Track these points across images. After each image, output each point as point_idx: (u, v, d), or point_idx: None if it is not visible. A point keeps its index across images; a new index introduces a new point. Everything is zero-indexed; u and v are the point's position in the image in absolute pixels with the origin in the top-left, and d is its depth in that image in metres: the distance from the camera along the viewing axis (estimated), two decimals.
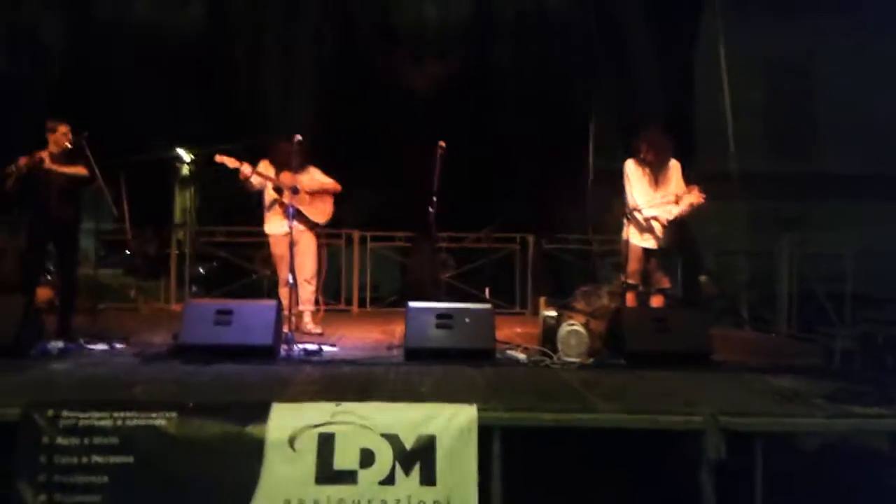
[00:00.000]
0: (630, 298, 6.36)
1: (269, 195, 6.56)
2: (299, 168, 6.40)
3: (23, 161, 5.66)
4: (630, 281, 6.32)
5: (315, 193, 6.60)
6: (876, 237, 9.75)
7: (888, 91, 13.03)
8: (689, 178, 6.49)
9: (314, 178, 6.67)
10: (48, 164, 5.77)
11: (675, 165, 6.33)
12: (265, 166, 6.50)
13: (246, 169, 6.26)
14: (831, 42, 12.84)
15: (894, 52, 13.02)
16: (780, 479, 4.03)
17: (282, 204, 6.09)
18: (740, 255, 8.55)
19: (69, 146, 5.85)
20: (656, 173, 6.28)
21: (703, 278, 8.43)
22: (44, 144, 5.92)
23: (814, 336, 6.64)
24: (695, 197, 6.02)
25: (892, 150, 12.62)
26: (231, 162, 6.19)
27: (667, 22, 8.64)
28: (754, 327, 8.09)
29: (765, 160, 12.37)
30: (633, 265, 6.32)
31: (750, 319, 8.22)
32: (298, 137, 6.14)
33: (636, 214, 6.16)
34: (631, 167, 6.33)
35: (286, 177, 6.23)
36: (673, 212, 6.12)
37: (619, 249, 6.47)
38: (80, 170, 5.86)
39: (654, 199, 6.17)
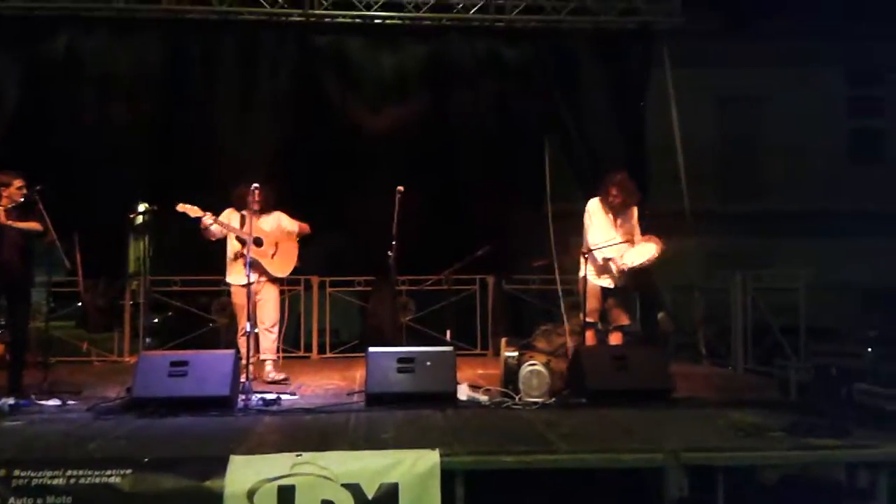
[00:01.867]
0: (589, 337, 6.42)
1: (232, 245, 6.50)
2: (264, 213, 6.43)
3: None
4: (589, 319, 6.38)
5: (281, 242, 6.57)
6: (825, 271, 10.01)
7: (830, 131, 13.57)
8: (644, 218, 6.62)
9: (281, 224, 6.64)
10: (3, 219, 5.68)
11: (632, 211, 6.47)
12: (229, 213, 6.46)
13: (207, 219, 6.18)
14: (779, 86, 13.32)
15: (835, 96, 13.61)
16: None
17: (243, 256, 5.99)
18: (696, 292, 8.67)
19: (22, 200, 5.78)
20: (618, 216, 6.41)
21: (661, 315, 8.53)
22: None
23: (769, 370, 6.74)
24: (655, 249, 6.16)
25: (837, 187, 13.06)
26: (193, 211, 6.11)
27: (618, 67, 8.88)
28: (711, 362, 8.18)
29: (717, 198, 12.68)
30: (592, 303, 6.38)
31: (707, 354, 8.32)
32: (256, 185, 6.16)
33: (595, 253, 6.23)
34: (593, 206, 6.46)
35: (248, 227, 6.14)
36: (631, 260, 6.20)
37: (577, 289, 6.53)
38: (33, 225, 5.78)
39: (612, 239, 6.26)
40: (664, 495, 3.81)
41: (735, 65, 12.99)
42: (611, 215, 6.41)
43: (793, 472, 4.41)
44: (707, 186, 11.67)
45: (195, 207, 6.13)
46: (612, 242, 6.21)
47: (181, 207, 6.10)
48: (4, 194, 5.82)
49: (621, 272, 6.26)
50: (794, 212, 12.78)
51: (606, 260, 6.26)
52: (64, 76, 8.33)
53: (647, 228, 6.54)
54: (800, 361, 6.32)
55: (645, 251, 6.20)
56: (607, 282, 6.36)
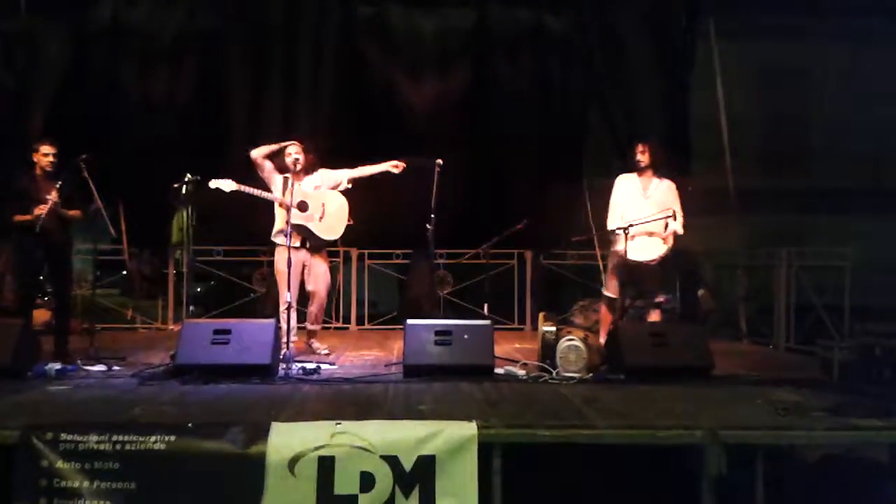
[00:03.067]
0: (604, 312, 6.49)
1: (279, 209, 6.26)
2: (307, 172, 6.28)
3: (40, 210, 5.74)
4: (608, 293, 6.38)
5: (328, 201, 6.26)
6: (872, 250, 9.77)
7: (884, 103, 13.14)
8: (688, 195, 6.54)
9: (325, 179, 6.37)
10: (58, 209, 5.86)
11: (669, 185, 6.37)
12: (274, 174, 6.20)
13: (245, 189, 6.08)
14: (827, 55, 12.93)
15: (890, 64, 13.14)
16: (781, 492, 4.02)
17: (287, 223, 5.94)
18: (738, 269, 8.55)
19: (49, 169, 5.91)
20: (646, 184, 6.34)
21: (701, 292, 8.43)
22: None
23: (812, 349, 6.64)
24: (661, 250, 6.18)
25: (889, 163, 12.70)
26: (227, 185, 6.00)
27: (664, 38, 8.72)
28: (752, 340, 8.09)
29: (761, 174, 12.42)
30: (611, 279, 6.38)
31: (748, 332, 8.23)
32: (295, 142, 6.16)
33: (618, 232, 6.16)
34: (618, 183, 6.44)
35: (290, 192, 5.90)
36: (637, 255, 6.16)
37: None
38: (77, 213, 6.04)
39: (640, 210, 6.19)
40: (702, 473, 3.79)
41: (781, 38, 12.65)
42: (637, 185, 6.35)
43: (834, 452, 4.36)
44: (751, 162, 11.43)
45: (228, 181, 6.00)
46: (639, 221, 6.09)
47: (213, 183, 5.98)
48: (35, 159, 5.99)
49: (661, 239, 6.18)
50: (839, 188, 12.47)
51: (635, 234, 6.12)
52: (109, 45, 8.43)
53: (688, 205, 6.45)
54: (843, 341, 6.23)
55: (652, 250, 6.16)
56: (641, 255, 6.22)
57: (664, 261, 6.34)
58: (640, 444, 3.89)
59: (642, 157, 6.33)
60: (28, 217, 5.80)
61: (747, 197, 8.79)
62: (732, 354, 6.76)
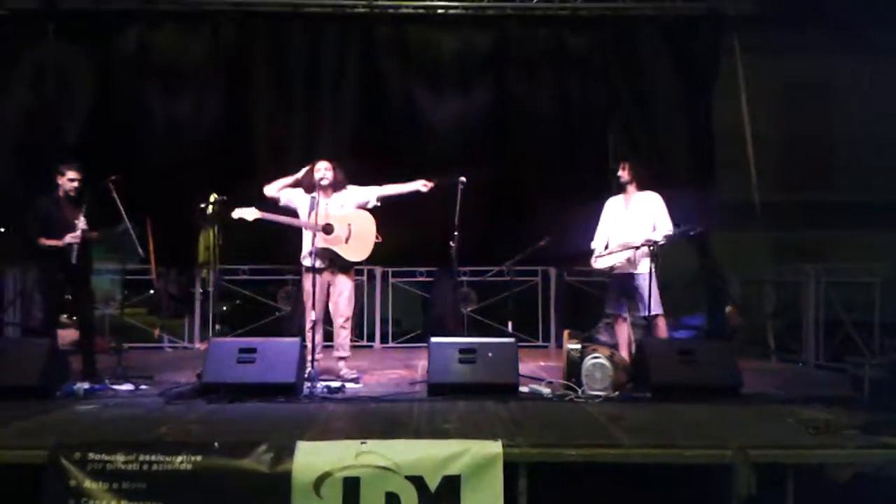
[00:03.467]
0: (617, 328, 6.50)
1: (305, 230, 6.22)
2: (334, 190, 6.24)
3: (73, 239, 5.86)
4: (608, 310, 6.44)
5: (354, 221, 6.16)
6: None
7: None
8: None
9: (352, 199, 6.28)
10: (86, 234, 5.97)
11: (651, 196, 6.39)
12: (301, 195, 6.19)
13: (268, 216, 6.06)
14: (849, 68, 12.84)
15: None
16: None
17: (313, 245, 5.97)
18: (766, 285, 8.46)
19: (73, 193, 6.01)
20: (628, 200, 6.43)
21: (728, 309, 8.35)
22: None
23: (842, 366, 6.54)
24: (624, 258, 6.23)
25: None
26: (250, 214, 5.99)
27: (686, 54, 8.69)
28: (781, 358, 7.99)
29: (786, 189, 12.30)
30: (611, 295, 6.48)
31: (777, 349, 8.12)
32: (324, 162, 6.16)
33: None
34: (606, 205, 6.58)
35: (316, 213, 5.94)
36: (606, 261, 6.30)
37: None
38: (97, 236, 6.14)
39: (622, 227, 6.33)
40: (732, 493, 3.74)
41: (804, 52, 12.56)
42: (622, 202, 6.45)
43: (865, 470, 4.27)
44: (775, 176, 11.33)
45: (251, 209, 6.00)
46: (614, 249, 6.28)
47: (237, 213, 5.98)
48: (59, 182, 6.10)
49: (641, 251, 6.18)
50: (864, 202, 12.31)
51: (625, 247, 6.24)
52: (135, 70, 8.57)
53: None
54: (874, 357, 6.13)
55: (636, 262, 6.19)
56: (628, 267, 6.25)
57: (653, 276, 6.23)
58: (667, 463, 3.84)
59: (623, 174, 6.46)
60: (58, 243, 5.90)
61: (771, 211, 8.72)
62: (761, 372, 6.69)
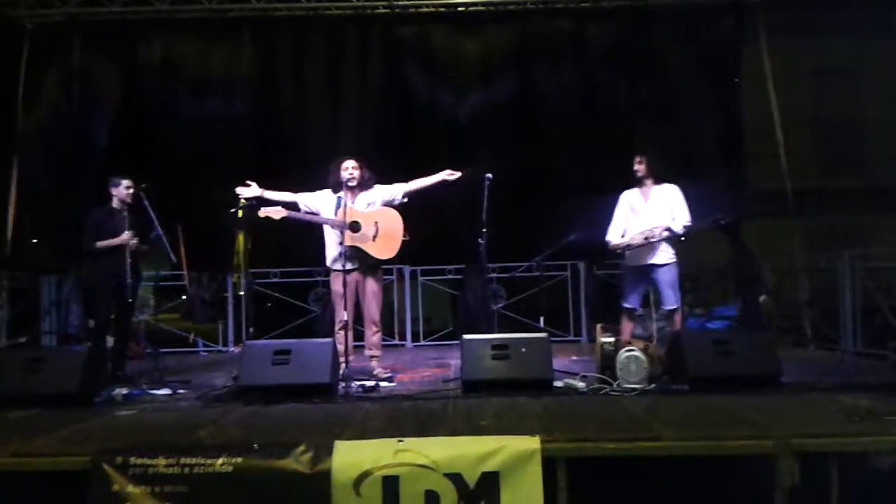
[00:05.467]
0: (625, 324, 6.37)
1: (330, 231, 6.20)
2: (361, 189, 6.20)
3: (128, 236, 6.13)
4: (625, 304, 6.34)
5: (381, 219, 6.12)
6: None
7: None
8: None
9: (379, 197, 6.24)
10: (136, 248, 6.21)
11: (669, 188, 6.31)
12: (327, 196, 6.22)
13: (295, 215, 6.09)
14: (881, 50, 12.61)
15: None
16: (857, 500, 3.88)
17: (340, 244, 6.01)
18: (801, 273, 8.35)
19: (130, 201, 6.11)
20: (646, 193, 6.34)
21: (762, 298, 8.25)
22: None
23: (882, 352, 6.43)
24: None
25: None
26: (276, 214, 6.00)
27: (709, 42, 8.60)
28: (818, 346, 7.88)
29: (818, 176, 12.15)
30: (627, 287, 6.39)
31: (813, 338, 8.01)
32: (350, 160, 6.14)
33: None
34: (621, 198, 6.47)
35: (342, 212, 5.96)
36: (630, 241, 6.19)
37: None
38: (144, 249, 6.35)
39: (640, 220, 6.24)
40: (775, 484, 3.69)
41: (832, 35, 12.37)
42: (639, 195, 6.35)
43: None
44: (806, 163, 11.18)
45: (277, 208, 6.01)
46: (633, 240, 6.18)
47: (263, 212, 5.99)
48: (114, 194, 6.21)
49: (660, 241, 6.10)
50: None
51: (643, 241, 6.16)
52: (162, 77, 8.69)
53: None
54: None
55: (658, 254, 6.11)
56: (650, 258, 6.17)
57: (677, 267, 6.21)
58: (708, 455, 3.79)
59: (639, 168, 6.35)
60: (114, 241, 6.12)
61: (804, 198, 8.60)
62: (799, 361, 6.60)
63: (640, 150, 6.54)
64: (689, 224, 6.11)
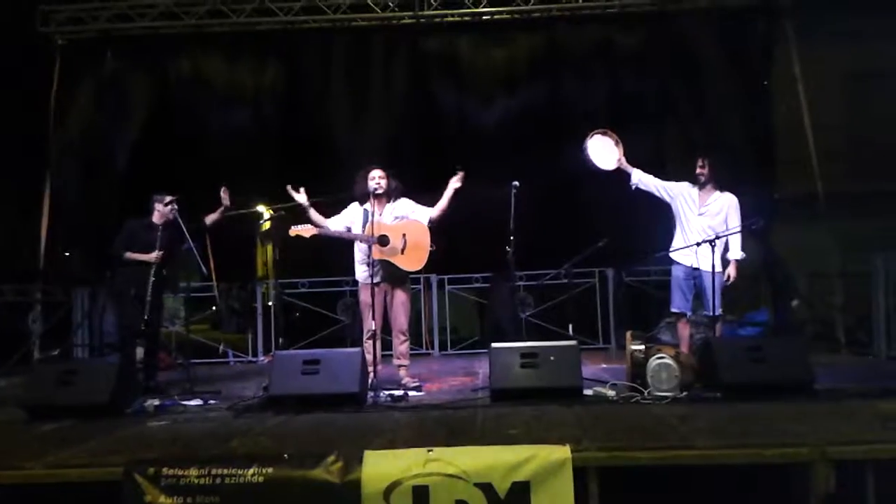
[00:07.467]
0: (681, 328, 6.34)
1: (358, 244, 6.23)
2: (389, 200, 6.19)
3: (155, 257, 6.18)
4: (673, 309, 6.29)
5: (409, 231, 6.10)
6: None
7: None
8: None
9: (407, 211, 6.22)
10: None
11: (729, 199, 6.22)
12: (353, 210, 6.23)
13: (324, 232, 6.09)
14: None
15: None
16: None
17: (368, 256, 6.02)
18: (833, 277, 8.22)
19: (172, 217, 6.19)
20: (705, 197, 6.26)
21: (795, 303, 8.14)
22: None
23: None
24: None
25: None
26: (307, 232, 5.97)
27: (740, 46, 8.53)
28: (852, 351, 7.75)
29: (850, 180, 11.96)
30: (675, 293, 6.31)
31: (847, 343, 7.88)
32: (378, 171, 6.12)
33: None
34: (681, 185, 6.37)
35: (370, 226, 5.97)
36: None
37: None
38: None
39: (690, 225, 6.21)
40: (810, 492, 3.63)
41: (863, 38, 12.18)
42: (696, 198, 6.26)
43: None
44: (837, 167, 11.02)
45: (307, 226, 6.00)
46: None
47: (294, 230, 5.96)
48: (157, 209, 6.37)
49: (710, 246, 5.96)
50: None
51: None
52: (191, 90, 8.80)
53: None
54: None
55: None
56: (701, 264, 6.09)
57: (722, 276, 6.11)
58: (742, 463, 3.74)
59: (702, 172, 6.24)
60: (140, 256, 6.21)
61: (836, 202, 8.48)
62: (832, 366, 6.50)
63: (703, 152, 6.43)
64: (744, 257, 6.12)
